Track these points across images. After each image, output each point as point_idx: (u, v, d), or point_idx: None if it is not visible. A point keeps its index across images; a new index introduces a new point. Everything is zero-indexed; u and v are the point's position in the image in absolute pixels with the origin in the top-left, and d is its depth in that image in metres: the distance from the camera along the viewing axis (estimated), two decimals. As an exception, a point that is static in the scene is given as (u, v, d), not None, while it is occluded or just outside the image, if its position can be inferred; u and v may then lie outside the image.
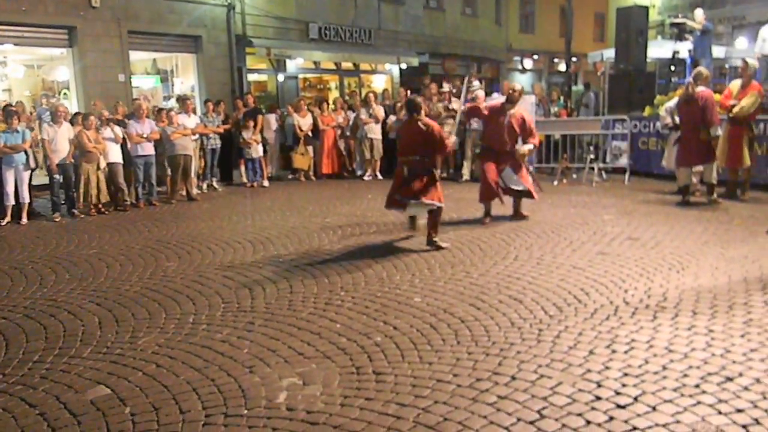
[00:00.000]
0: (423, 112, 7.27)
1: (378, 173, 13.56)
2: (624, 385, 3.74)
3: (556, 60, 32.38)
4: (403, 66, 21.14)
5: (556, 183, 11.94)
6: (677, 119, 10.11)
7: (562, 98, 15.31)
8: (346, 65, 20.26)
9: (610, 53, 15.61)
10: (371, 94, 14.09)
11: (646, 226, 8.01)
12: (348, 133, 13.99)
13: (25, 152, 9.73)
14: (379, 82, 21.57)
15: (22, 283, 6.41)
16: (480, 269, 6.33)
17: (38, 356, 4.55)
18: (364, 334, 4.74)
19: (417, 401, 3.66)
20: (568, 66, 17.30)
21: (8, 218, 9.66)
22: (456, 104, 12.82)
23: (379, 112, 13.45)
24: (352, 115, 13.96)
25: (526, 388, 3.76)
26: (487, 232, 7.98)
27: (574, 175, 12.55)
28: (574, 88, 19.63)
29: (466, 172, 12.72)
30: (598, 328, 4.66)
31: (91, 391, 3.96)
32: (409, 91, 14.45)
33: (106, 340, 4.81)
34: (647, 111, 12.48)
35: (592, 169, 11.97)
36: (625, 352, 4.22)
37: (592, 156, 12.12)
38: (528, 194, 8.65)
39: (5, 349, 4.72)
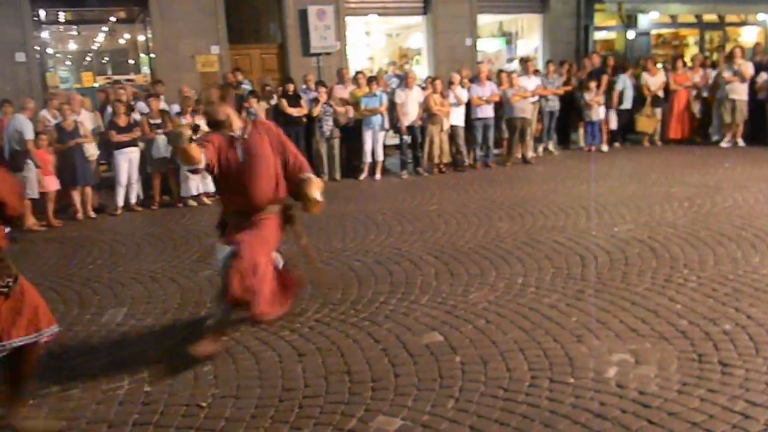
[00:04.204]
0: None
1: (740, 140, 11.91)
2: None
3: None
4: (782, 14, 18.02)
5: None
6: None
7: None
8: (709, 17, 18.03)
9: None
10: (738, 49, 12.33)
11: None
12: (705, 94, 12.53)
13: (381, 114, 10.80)
14: (749, 35, 18.76)
15: (374, 232, 7.16)
16: None
17: (383, 298, 5.03)
18: (710, 319, 4.23)
19: (774, 404, 3.14)
20: None
21: (366, 173, 10.89)
22: None
23: (747, 69, 11.71)
24: (712, 74, 12.44)
25: None
26: None
27: None
28: None
29: None
30: None
31: (426, 335, 4.26)
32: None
33: (441, 291, 5.11)
34: None
35: None
36: None
37: None
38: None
39: (358, 288, 5.31)
